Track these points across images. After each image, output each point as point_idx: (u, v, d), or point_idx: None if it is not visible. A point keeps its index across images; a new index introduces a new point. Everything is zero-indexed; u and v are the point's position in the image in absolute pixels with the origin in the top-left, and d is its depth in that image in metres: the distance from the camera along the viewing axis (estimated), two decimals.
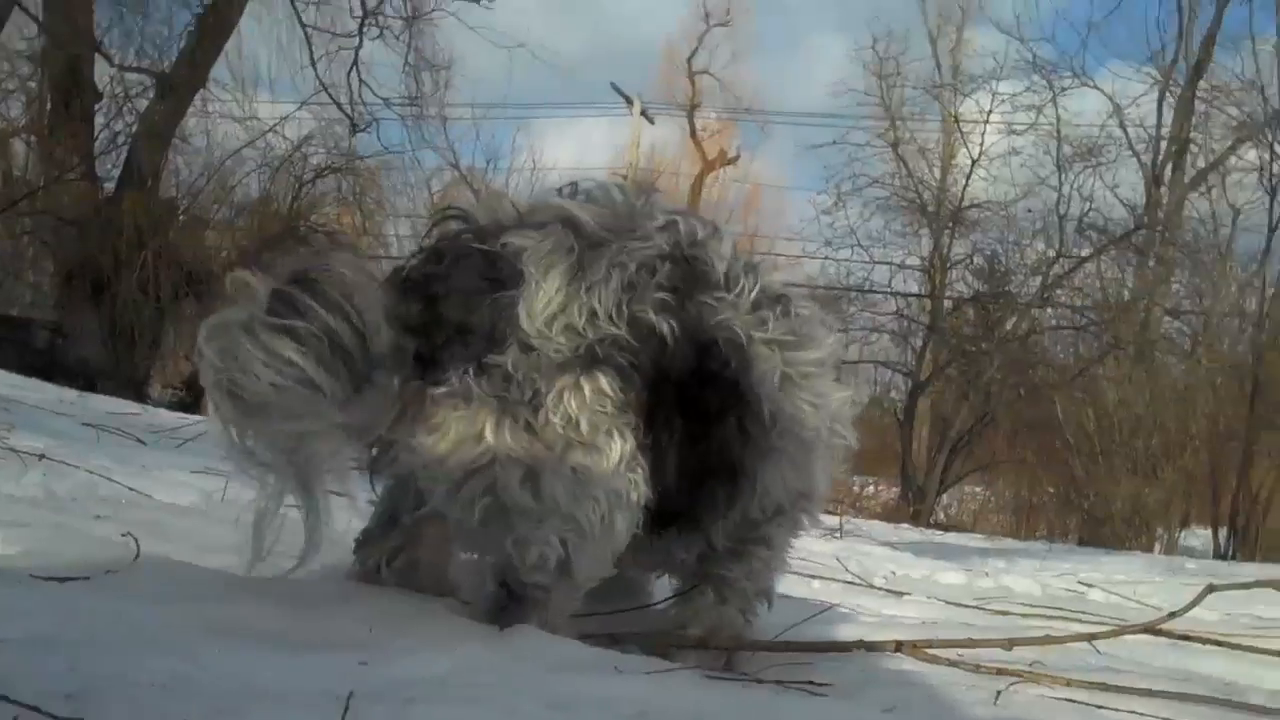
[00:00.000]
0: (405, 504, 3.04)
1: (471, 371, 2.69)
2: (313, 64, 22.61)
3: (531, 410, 2.71)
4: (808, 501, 3.35)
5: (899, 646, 3.34)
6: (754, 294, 3.00)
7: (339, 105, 22.88)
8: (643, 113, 41.10)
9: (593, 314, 2.73)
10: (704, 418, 2.93)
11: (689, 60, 41.21)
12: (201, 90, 21.38)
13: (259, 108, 23.83)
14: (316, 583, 2.87)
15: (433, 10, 23.33)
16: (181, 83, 20.29)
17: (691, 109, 41.09)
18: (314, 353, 2.56)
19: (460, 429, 2.70)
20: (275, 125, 23.00)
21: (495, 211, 2.91)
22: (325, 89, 22.76)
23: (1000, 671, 3.18)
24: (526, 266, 2.74)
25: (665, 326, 2.79)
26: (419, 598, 2.99)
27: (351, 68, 22.79)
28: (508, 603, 2.82)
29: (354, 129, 23.19)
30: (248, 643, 2.36)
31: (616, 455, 2.75)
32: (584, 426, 2.71)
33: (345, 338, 2.60)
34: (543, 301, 2.71)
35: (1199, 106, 27.30)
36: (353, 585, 3.05)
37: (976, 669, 3.21)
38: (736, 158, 42.60)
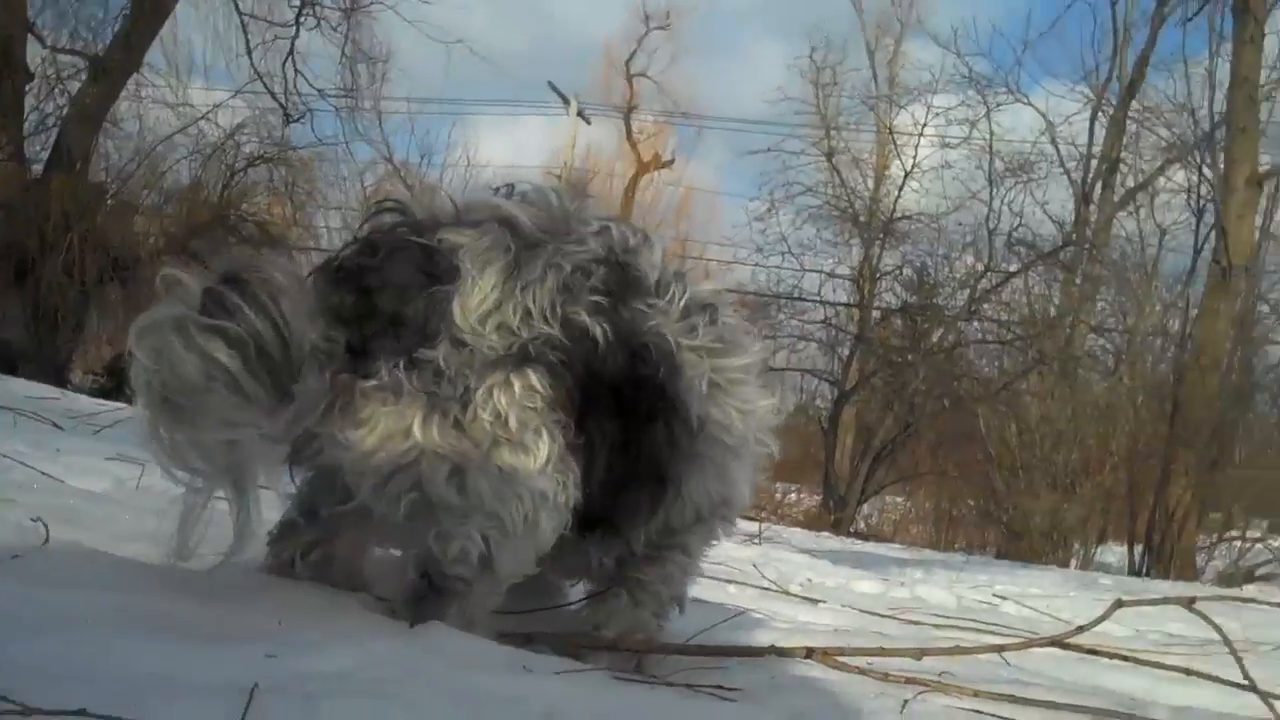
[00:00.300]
0: (325, 497, 3.01)
1: (402, 365, 2.67)
2: (248, 52, 22.48)
3: (461, 406, 2.70)
4: (728, 509, 3.38)
5: (810, 653, 3.36)
6: (683, 301, 3.03)
7: (273, 94, 22.72)
8: (579, 113, 41.14)
9: (527, 313, 2.74)
10: (633, 422, 2.94)
11: (627, 62, 41.45)
12: (135, 75, 21.17)
13: (192, 94, 23.70)
14: (227, 574, 2.84)
15: (371, 3, 23.22)
16: (115, 66, 20.05)
17: (628, 111, 41.20)
18: (241, 356, 2.54)
19: (388, 424, 2.69)
20: (208, 112, 22.82)
21: (432, 206, 2.91)
22: (260, 78, 22.60)
23: (909, 681, 3.21)
24: (463, 263, 2.73)
25: (599, 329, 2.81)
26: (330, 592, 2.98)
27: (287, 57, 22.65)
28: (427, 593, 2.81)
29: (288, 119, 23.04)
30: (153, 632, 2.34)
31: (544, 455, 2.75)
32: (512, 424, 2.71)
33: (270, 343, 2.58)
34: (478, 298, 2.71)
35: (1130, 127, 27.67)
36: (264, 578, 3.03)
37: (885, 678, 3.23)
38: (671, 161, 42.82)
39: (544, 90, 40.98)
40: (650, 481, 3.06)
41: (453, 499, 2.73)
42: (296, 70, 22.74)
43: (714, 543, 3.50)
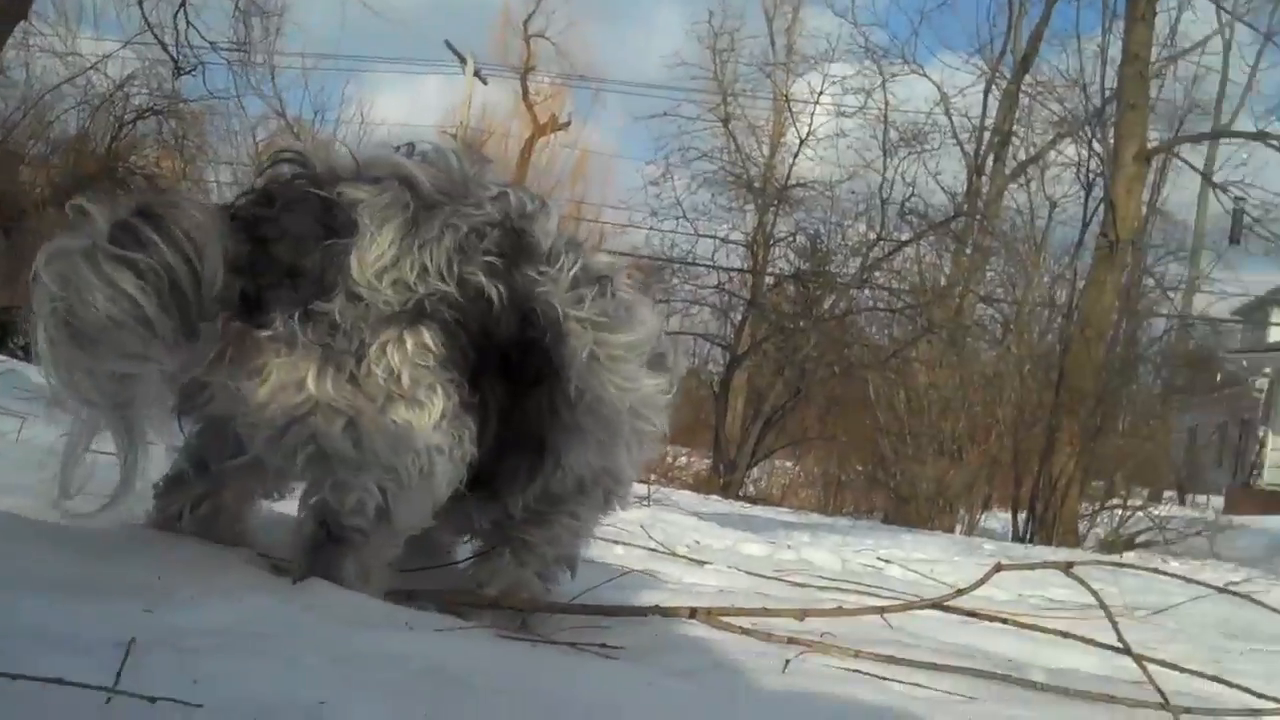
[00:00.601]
0: (215, 449, 2.99)
1: (297, 317, 2.65)
2: (139, 2, 22.00)
3: (355, 361, 2.70)
4: (614, 481, 3.40)
5: (694, 613, 3.39)
6: (574, 271, 3.03)
7: (164, 46, 22.25)
8: (476, 73, 40.92)
9: (424, 270, 2.74)
10: (518, 387, 2.96)
11: (525, 23, 41.20)
12: (22, 22, 20.73)
13: (81, 44, 23.32)
14: (106, 529, 2.80)
15: None
16: (1, 13, 19.64)
17: (525, 72, 41.03)
18: (153, 289, 2.50)
19: (281, 375, 2.68)
20: (97, 63, 22.48)
21: (331, 160, 2.88)
22: (151, 28, 22.13)
23: (791, 641, 3.24)
24: (361, 218, 2.72)
25: (494, 290, 2.82)
26: (213, 547, 2.96)
27: (180, 8, 22.10)
28: (325, 543, 2.81)
29: (179, 71, 22.57)
30: (29, 586, 2.31)
31: (438, 411, 2.76)
32: (405, 380, 2.72)
33: (183, 279, 2.54)
34: (375, 253, 2.70)
35: (1023, 100, 28.15)
36: (146, 532, 3.00)
37: (768, 638, 3.27)
38: (568, 123, 42.78)
39: (441, 49, 40.86)
40: (530, 448, 3.08)
41: (348, 452, 2.73)
42: (189, 22, 22.19)
43: (608, 513, 3.54)
